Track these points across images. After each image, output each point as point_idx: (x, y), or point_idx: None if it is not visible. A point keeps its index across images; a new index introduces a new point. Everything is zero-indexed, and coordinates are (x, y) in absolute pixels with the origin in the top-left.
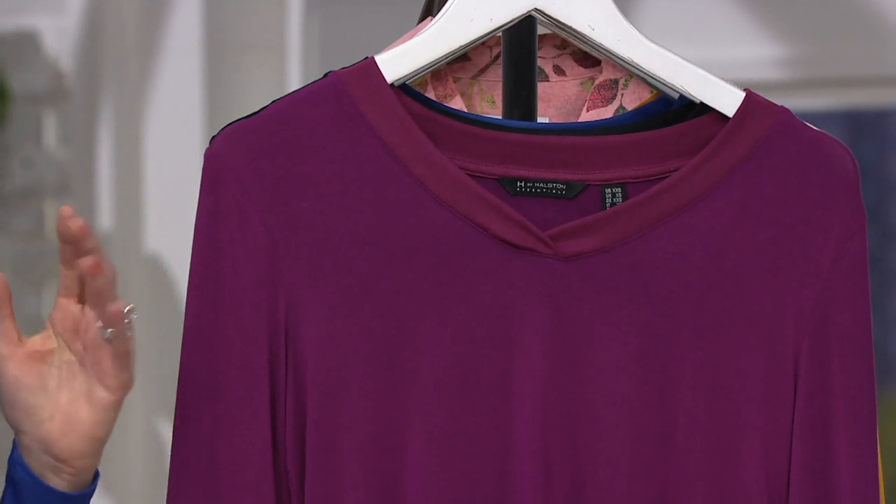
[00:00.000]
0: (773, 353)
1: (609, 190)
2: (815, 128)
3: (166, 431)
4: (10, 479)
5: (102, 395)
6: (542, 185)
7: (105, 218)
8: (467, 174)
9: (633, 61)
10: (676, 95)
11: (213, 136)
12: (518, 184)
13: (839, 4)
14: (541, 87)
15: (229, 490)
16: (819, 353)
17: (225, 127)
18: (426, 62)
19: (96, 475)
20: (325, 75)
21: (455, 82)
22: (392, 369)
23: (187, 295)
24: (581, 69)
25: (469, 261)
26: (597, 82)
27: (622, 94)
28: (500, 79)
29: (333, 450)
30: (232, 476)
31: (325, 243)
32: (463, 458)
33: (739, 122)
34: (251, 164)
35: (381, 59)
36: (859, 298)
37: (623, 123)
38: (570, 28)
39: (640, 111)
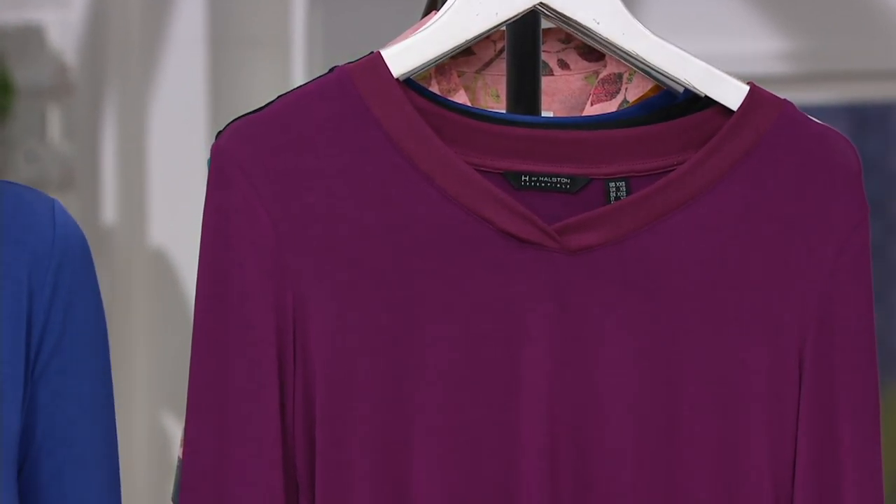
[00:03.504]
0: (778, 347)
1: (613, 184)
2: (818, 121)
3: (171, 425)
4: None
5: None
6: (546, 179)
7: (109, 212)
8: (473, 168)
9: (637, 55)
10: (681, 89)
11: (220, 131)
12: (522, 178)
13: None
14: (545, 82)
15: (239, 484)
16: (822, 347)
17: (232, 121)
18: (431, 57)
19: None
20: (331, 70)
21: (459, 77)
22: (399, 363)
23: (196, 290)
24: (585, 63)
25: (476, 255)
26: (601, 76)
27: (626, 89)
28: (505, 73)
29: (342, 443)
30: (242, 470)
31: (332, 237)
32: (470, 452)
33: (743, 116)
34: (258, 159)
35: (387, 54)
36: (862, 292)
37: (627, 117)
38: (575, 22)
39: (644, 105)
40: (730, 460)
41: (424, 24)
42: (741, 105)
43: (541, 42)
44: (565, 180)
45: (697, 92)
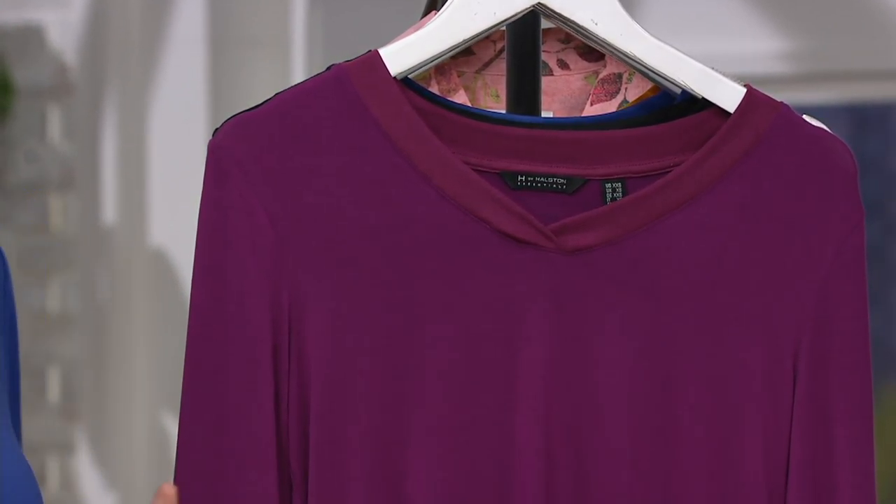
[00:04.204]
0: (774, 348)
1: (609, 185)
2: (814, 123)
3: (171, 425)
4: None
5: None
6: (542, 179)
7: (109, 212)
8: (471, 168)
9: (635, 56)
10: (679, 90)
11: (217, 128)
12: (519, 178)
13: None
14: (545, 82)
15: (233, 482)
16: (818, 348)
17: (229, 118)
18: (429, 56)
19: None
20: (329, 68)
21: (459, 77)
22: (396, 362)
23: (192, 287)
24: (585, 63)
25: (473, 255)
26: (600, 76)
27: (626, 89)
28: (505, 73)
29: (337, 442)
30: (235, 468)
31: (329, 236)
32: (466, 452)
33: (740, 118)
34: (255, 156)
35: (384, 53)
36: (857, 294)
37: (626, 118)
38: (573, 22)
39: (643, 105)
40: (726, 460)
41: (424, 24)
42: (738, 106)
43: (541, 42)
44: (561, 181)
45: (694, 93)
